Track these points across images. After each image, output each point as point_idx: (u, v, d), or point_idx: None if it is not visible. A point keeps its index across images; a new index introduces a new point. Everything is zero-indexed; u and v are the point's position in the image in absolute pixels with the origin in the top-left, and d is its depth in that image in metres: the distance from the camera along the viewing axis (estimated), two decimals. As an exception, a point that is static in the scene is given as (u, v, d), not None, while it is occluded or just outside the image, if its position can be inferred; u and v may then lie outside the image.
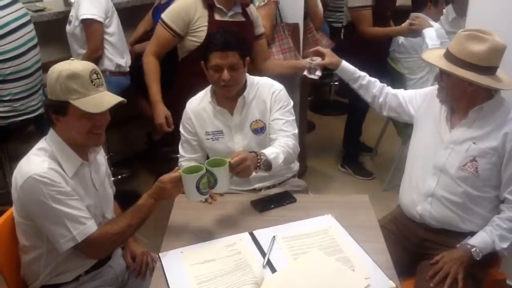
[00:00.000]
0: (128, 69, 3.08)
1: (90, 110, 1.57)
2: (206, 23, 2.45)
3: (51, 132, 1.66)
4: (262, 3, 2.76)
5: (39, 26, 2.83)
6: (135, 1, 3.41)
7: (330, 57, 2.28)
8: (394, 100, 2.17)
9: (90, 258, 1.73)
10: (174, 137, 3.48)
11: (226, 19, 2.49)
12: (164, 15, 2.51)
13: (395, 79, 3.26)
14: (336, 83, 4.93)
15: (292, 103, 2.18)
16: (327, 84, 4.89)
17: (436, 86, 1.97)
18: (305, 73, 2.40)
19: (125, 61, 3.06)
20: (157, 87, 2.56)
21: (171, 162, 3.58)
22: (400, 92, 2.19)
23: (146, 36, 3.28)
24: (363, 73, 2.25)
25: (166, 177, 1.72)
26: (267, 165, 1.89)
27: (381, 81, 2.26)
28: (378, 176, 3.68)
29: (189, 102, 2.19)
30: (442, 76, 1.84)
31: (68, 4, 3.21)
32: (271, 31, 2.80)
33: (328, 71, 4.67)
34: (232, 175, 1.77)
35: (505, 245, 1.83)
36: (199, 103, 2.15)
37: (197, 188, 1.70)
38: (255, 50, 2.63)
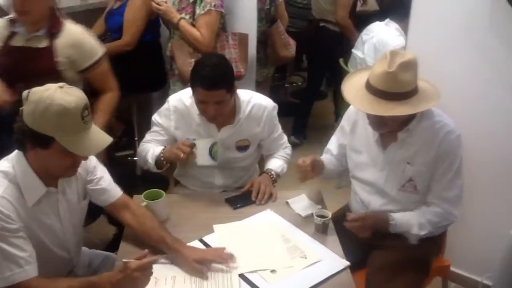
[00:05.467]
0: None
1: (79, 152, 1.48)
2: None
3: (19, 156, 1.53)
4: (202, 12, 2.74)
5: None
6: (88, 5, 3.37)
7: (316, 171, 1.99)
8: (340, 154, 2.15)
9: None
10: (131, 141, 3.51)
11: (21, 44, 2.16)
12: None
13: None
14: (287, 85, 5.06)
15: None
16: (281, 86, 4.99)
17: (353, 111, 2.02)
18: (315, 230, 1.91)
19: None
20: None
21: (128, 164, 3.60)
22: (334, 145, 2.17)
23: (99, 40, 3.25)
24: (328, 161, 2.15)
25: (134, 264, 1.45)
26: (278, 178, 2.18)
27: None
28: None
29: (174, 98, 2.14)
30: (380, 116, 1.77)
31: None
32: (211, 40, 2.79)
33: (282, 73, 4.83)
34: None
35: (422, 232, 1.88)
36: (186, 108, 2.10)
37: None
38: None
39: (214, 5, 2.73)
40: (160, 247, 1.71)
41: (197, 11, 2.75)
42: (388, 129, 1.86)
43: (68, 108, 1.42)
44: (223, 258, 1.68)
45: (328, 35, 3.97)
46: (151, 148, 2.12)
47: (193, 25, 2.78)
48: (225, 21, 2.95)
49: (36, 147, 1.48)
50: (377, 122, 1.83)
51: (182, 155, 1.96)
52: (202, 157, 1.97)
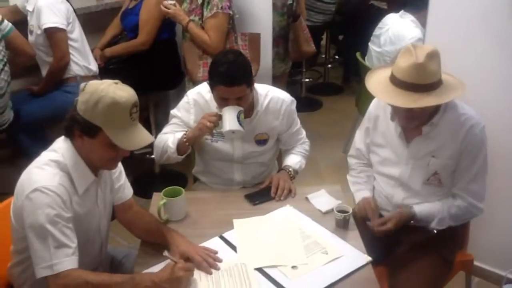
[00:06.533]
0: (98, 73, 3.05)
1: (123, 145, 1.53)
2: None
3: (68, 144, 1.59)
4: (210, 14, 2.72)
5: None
6: (104, 6, 3.39)
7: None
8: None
9: None
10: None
11: None
12: None
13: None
14: (306, 80, 5.02)
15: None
16: (298, 81, 4.96)
17: (373, 108, 2.01)
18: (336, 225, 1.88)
19: (93, 64, 3.03)
20: None
21: (146, 162, 3.62)
22: (362, 144, 2.12)
23: (116, 40, 3.28)
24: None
25: (184, 264, 1.55)
26: (296, 174, 2.18)
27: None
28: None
29: (193, 92, 2.14)
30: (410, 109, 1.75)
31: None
32: (220, 43, 2.77)
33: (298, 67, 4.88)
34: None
35: (439, 227, 1.89)
36: (206, 102, 2.10)
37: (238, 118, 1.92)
38: None
39: (221, 7, 2.72)
40: (157, 237, 1.75)
41: (205, 13, 2.75)
42: (418, 122, 1.83)
43: (119, 102, 1.49)
44: (208, 260, 1.66)
45: (376, 12, 4.21)
46: (170, 136, 2.09)
47: (203, 27, 2.77)
48: (234, 21, 2.92)
49: (84, 135, 1.54)
50: (406, 116, 1.81)
51: (208, 124, 1.95)
52: (231, 123, 1.91)
